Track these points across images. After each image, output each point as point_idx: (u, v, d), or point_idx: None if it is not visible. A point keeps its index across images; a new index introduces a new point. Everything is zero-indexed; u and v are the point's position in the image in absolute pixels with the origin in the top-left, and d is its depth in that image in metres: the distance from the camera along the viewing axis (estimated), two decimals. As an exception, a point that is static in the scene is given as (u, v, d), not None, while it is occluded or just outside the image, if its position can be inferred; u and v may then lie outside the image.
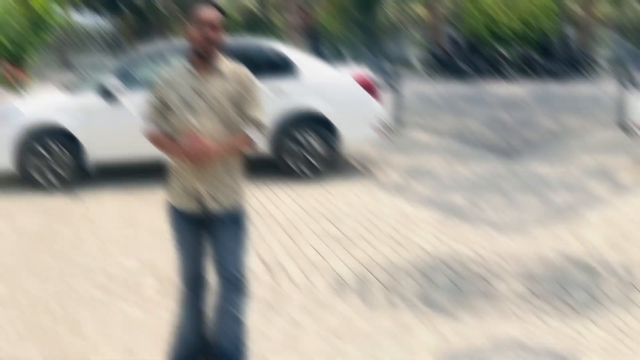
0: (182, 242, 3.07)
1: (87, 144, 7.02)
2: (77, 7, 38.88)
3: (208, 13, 2.89)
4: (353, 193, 6.56)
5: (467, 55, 22.49)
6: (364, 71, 7.96)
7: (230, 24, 45.49)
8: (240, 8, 46.42)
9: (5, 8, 12.06)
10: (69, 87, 7.80)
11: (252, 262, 4.45)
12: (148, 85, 7.01)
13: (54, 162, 6.97)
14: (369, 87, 7.48)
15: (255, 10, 45.63)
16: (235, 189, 3.01)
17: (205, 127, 2.86)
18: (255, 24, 45.62)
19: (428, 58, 26.64)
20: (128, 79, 7.35)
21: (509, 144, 9.36)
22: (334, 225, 5.44)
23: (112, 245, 5.13)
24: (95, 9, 41.31)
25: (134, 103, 6.82)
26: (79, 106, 7.09)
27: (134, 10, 40.31)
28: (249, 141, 2.96)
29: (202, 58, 2.91)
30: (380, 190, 6.66)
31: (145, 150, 6.56)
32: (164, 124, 3.01)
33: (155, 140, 3.05)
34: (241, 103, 2.94)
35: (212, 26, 2.86)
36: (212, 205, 2.93)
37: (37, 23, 12.55)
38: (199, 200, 2.93)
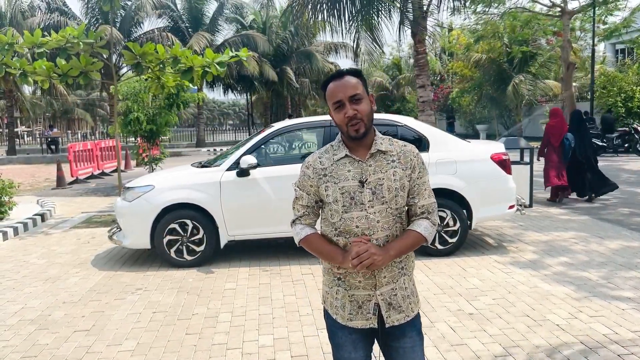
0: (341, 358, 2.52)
1: (221, 221, 7.03)
2: (211, 85, 41.75)
3: (342, 86, 2.35)
4: (487, 269, 6.55)
5: (601, 131, 21.96)
6: (497, 146, 7.77)
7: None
8: (373, 84, 47.99)
9: (143, 86, 12.43)
10: (204, 164, 7.85)
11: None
12: (282, 162, 7.45)
13: (189, 239, 7.03)
14: (502, 163, 7.35)
15: (388, 85, 46.87)
16: (412, 288, 2.50)
17: (374, 223, 2.36)
18: (389, 99, 46.83)
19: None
20: (262, 156, 7.43)
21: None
22: (468, 301, 5.44)
23: (247, 321, 5.14)
24: (229, 86, 44.06)
25: (269, 180, 7.09)
26: (213, 183, 7.05)
27: (268, 87, 42.50)
28: (420, 240, 2.42)
29: (356, 140, 2.40)
30: (514, 267, 6.61)
31: (279, 227, 7.04)
32: (319, 223, 2.56)
33: (310, 246, 2.48)
34: (411, 189, 2.43)
35: (353, 99, 2.34)
36: (393, 317, 2.42)
37: (172, 101, 12.88)
38: (375, 312, 2.41)
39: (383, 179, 2.36)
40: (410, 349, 2.44)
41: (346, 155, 2.40)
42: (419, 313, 2.53)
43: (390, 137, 2.50)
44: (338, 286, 2.46)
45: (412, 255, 2.52)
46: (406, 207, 2.45)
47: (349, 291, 2.43)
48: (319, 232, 2.52)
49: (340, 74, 2.41)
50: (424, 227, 2.41)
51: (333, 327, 2.51)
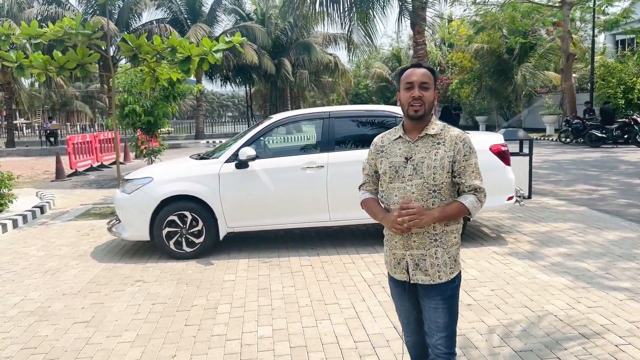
0: (397, 308, 3.05)
1: (220, 212, 7.02)
2: (210, 76, 41.59)
3: (418, 73, 2.76)
4: (485, 260, 6.56)
5: (601, 122, 21.90)
6: (496, 138, 7.70)
7: (364, 92, 46.69)
8: (373, 75, 47.98)
9: (140, 78, 12.30)
10: (202, 156, 7.84)
11: (384, 326, 4.70)
12: (281, 154, 7.45)
13: (188, 231, 7.01)
14: (501, 154, 7.28)
15: (388, 77, 46.83)
16: (446, 260, 2.79)
17: (409, 194, 2.73)
18: (388, 90, 46.78)
19: (561, 124, 26.11)
20: (261, 147, 7.42)
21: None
22: (466, 292, 5.43)
23: (246, 313, 5.14)
24: (228, 78, 43.93)
25: (268, 172, 7.08)
26: (212, 175, 7.04)
27: (267, 79, 42.36)
28: (463, 210, 2.74)
29: (413, 121, 2.78)
30: (513, 258, 6.62)
31: (279, 219, 7.05)
32: (377, 191, 2.98)
33: (364, 207, 3.01)
34: (456, 169, 2.75)
35: (423, 86, 2.73)
36: (418, 277, 2.81)
37: (168, 92, 12.81)
38: (406, 269, 2.83)
39: (425, 157, 2.74)
40: (434, 310, 2.81)
41: (400, 137, 2.84)
42: (450, 282, 2.81)
43: (445, 124, 2.85)
44: (386, 245, 2.96)
45: (454, 232, 2.83)
46: (444, 184, 2.75)
47: (391, 250, 2.90)
48: (374, 197, 3.01)
49: (419, 65, 2.87)
50: (470, 201, 2.75)
51: (389, 280, 3.03)
